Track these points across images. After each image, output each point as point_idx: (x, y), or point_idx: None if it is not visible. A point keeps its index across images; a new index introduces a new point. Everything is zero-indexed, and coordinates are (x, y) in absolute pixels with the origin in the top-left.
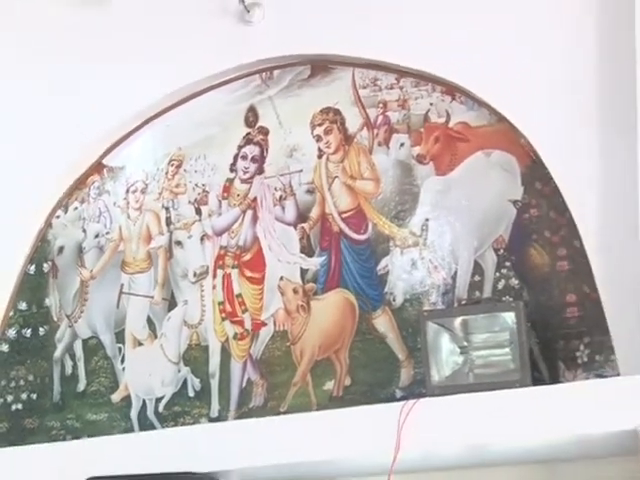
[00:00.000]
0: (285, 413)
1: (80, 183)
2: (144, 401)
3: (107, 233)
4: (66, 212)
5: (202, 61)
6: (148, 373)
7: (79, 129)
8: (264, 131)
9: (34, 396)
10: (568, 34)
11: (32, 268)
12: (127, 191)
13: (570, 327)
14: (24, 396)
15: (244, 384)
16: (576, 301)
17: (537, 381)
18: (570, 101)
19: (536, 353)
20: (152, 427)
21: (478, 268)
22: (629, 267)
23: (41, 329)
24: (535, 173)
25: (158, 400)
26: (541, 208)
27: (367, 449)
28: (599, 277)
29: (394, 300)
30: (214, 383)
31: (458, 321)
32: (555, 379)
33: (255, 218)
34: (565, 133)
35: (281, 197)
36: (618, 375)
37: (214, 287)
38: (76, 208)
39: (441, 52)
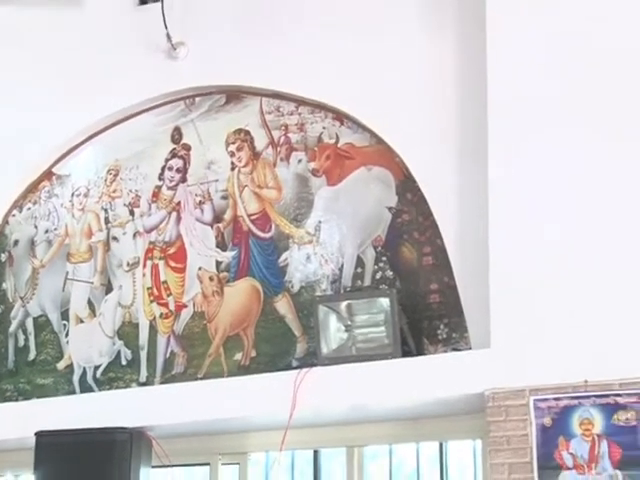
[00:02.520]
0: (202, 379)
1: (33, 188)
2: (84, 368)
3: (55, 229)
4: (21, 211)
5: (136, 88)
6: (88, 345)
7: (32, 142)
8: (187, 147)
9: None
10: (432, 74)
11: None
12: (72, 195)
13: (433, 310)
14: None
15: (168, 355)
16: (438, 289)
17: (406, 353)
18: (435, 128)
19: (406, 331)
20: (91, 390)
21: (360, 262)
22: (480, 262)
23: None
24: (407, 185)
25: (96, 368)
26: (411, 213)
27: (269, 408)
28: (456, 270)
29: (292, 287)
30: (143, 354)
31: (344, 305)
32: (420, 352)
33: (179, 219)
34: (431, 154)
35: (200, 202)
36: (470, 349)
37: (144, 275)
38: (29, 208)
39: (332, 85)
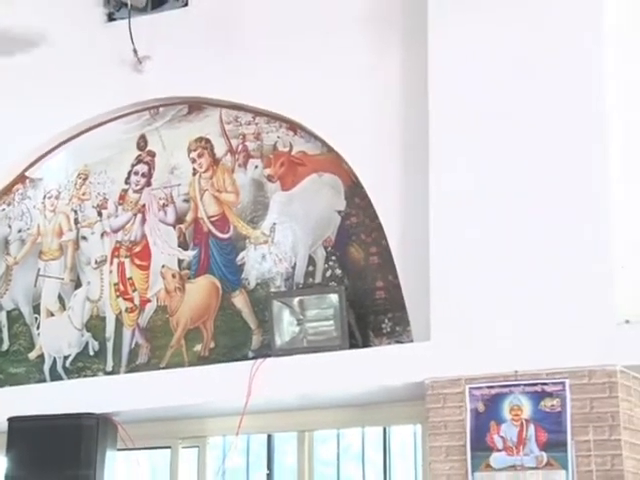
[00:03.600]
0: (164, 368)
1: (7, 190)
2: (54, 358)
3: (28, 229)
4: None
5: (105, 99)
6: (58, 337)
7: (7, 147)
8: (152, 154)
9: None
10: (378, 87)
11: None
12: (44, 197)
13: (378, 306)
14: None
15: (133, 346)
16: (383, 286)
17: (353, 345)
18: (381, 138)
19: (353, 325)
20: (60, 378)
21: (312, 261)
22: (421, 261)
23: None
24: (354, 190)
25: (65, 358)
26: (359, 216)
27: (226, 396)
28: (400, 268)
29: (249, 284)
30: (109, 345)
31: (296, 300)
32: (366, 344)
33: (144, 220)
34: (377, 161)
35: (164, 204)
36: (412, 341)
37: (111, 272)
38: (4, 209)
39: (287, 97)
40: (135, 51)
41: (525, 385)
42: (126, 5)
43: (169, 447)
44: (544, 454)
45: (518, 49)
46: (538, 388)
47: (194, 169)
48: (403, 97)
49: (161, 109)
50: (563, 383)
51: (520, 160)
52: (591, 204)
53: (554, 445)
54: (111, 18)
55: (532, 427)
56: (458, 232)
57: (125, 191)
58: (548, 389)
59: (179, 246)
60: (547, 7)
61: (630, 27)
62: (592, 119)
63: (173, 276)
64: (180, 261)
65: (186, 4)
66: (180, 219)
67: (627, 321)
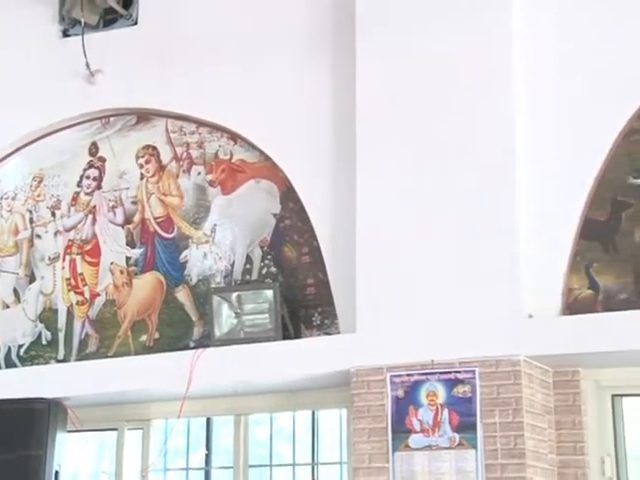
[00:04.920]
0: (111, 357)
1: None
2: (9, 347)
3: None
4: None
5: (59, 108)
6: (13, 327)
7: None
8: (102, 159)
9: None
10: (310, 101)
11: None
12: (1, 198)
13: (309, 301)
14: None
15: (83, 336)
16: (313, 283)
17: (286, 337)
18: (313, 147)
19: (286, 318)
20: (14, 366)
21: (249, 259)
22: (348, 261)
23: None
24: (289, 195)
25: (20, 347)
26: (292, 219)
27: (169, 382)
28: (329, 267)
29: (191, 280)
30: (61, 335)
31: (234, 295)
32: (298, 335)
33: (94, 220)
34: (309, 169)
35: (113, 206)
36: (339, 333)
37: (63, 268)
38: None
39: (228, 110)
40: (88, 65)
41: (440, 373)
42: (80, 22)
43: (116, 429)
44: (456, 435)
45: (440, 64)
46: (452, 376)
47: (141, 174)
48: (333, 109)
49: (111, 119)
50: (473, 371)
51: (439, 169)
52: (500, 209)
53: (465, 427)
54: (66, 34)
55: (446, 411)
56: (381, 234)
57: (77, 193)
58: (460, 377)
59: (127, 245)
60: (465, 25)
61: (538, 45)
62: (503, 131)
63: (121, 272)
64: (128, 258)
65: (136, 23)
66: (128, 220)
67: (530, 316)
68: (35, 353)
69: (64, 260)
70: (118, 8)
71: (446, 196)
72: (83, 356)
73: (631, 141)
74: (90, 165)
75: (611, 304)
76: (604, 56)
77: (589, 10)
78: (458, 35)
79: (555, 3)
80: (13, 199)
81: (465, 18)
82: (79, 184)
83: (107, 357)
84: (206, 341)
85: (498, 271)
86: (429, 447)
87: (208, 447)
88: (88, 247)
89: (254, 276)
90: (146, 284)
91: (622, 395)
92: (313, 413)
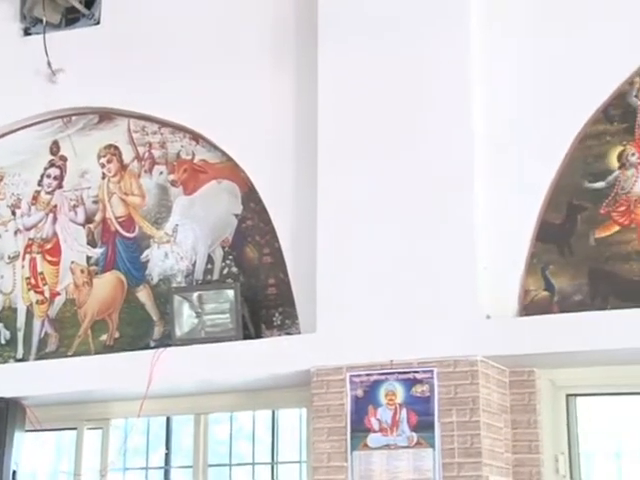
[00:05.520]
0: (71, 356)
1: None
2: None
3: None
4: None
5: (20, 107)
6: None
7: None
8: (64, 158)
9: None
10: (273, 103)
11: None
12: None
13: (270, 301)
14: None
15: (42, 335)
16: (275, 283)
17: (247, 336)
18: (275, 149)
19: (247, 318)
20: None
21: (210, 259)
22: (309, 262)
23: None
24: (250, 196)
25: None
26: (254, 220)
27: (129, 382)
28: (290, 268)
29: (152, 279)
30: (20, 334)
31: (195, 295)
32: (259, 335)
33: (55, 219)
34: (271, 170)
35: (74, 205)
36: (299, 333)
37: (23, 267)
38: None
39: (190, 110)
40: (49, 64)
41: (399, 373)
42: (41, 21)
43: (75, 429)
44: (414, 434)
45: (400, 70)
46: (410, 376)
47: (103, 173)
48: (295, 111)
49: (73, 118)
50: (432, 371)
51: (398, 171)
52: (459, 211)
53: (423, 426)
54: (27, 33)
55: (404, 410)
56: (342, 236)
57: (38, 192)
58: (419, 376)
59: (88, 244)
60: (424, 34)
61: (496, 52)
62: (460, 136)
63: (82, 271)
64: (88, 258)
65: (98, 22)
66: (89, 219)
67: (488, 316)
68: None
69: (24, 259)
70: (80, 7)
71: (405, 198)
72: (42, 355)
73: (586, 146)
74: (51, 164)
75: (566, 305)
76: (561, 63)
77: (546, 18)
78: (418, 43)
79: (512, 13)
80: None
81: (424, 26)
82: (40, 183)
83: (67, 356)
84: (167, 341)
85: (456, 273)
86: (387, 446)
87: (168, 446)
88: (48, 246)
89: (215, 276)
90: (107, 283)
91: (576, 395)
92: (273, 412)
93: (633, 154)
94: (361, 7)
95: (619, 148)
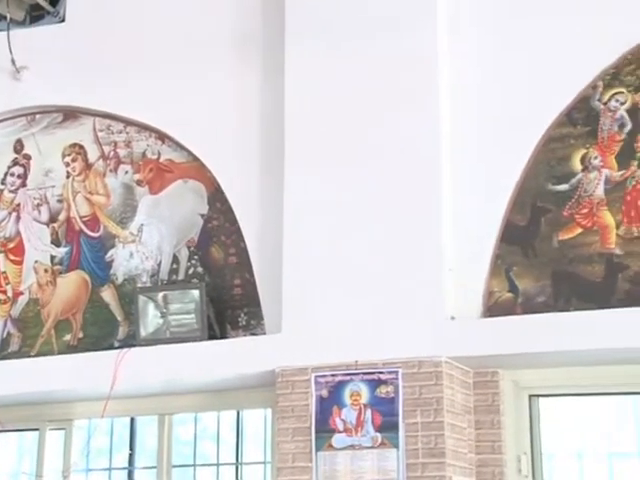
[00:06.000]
0: (34, 356)
1: None
2: None
3: None
4: None
5: None
6: None
7: None
8: (28, 157)
9: None
10: (240, 103)
11: None
12: None
13: (235, 301)
14: None
15: (5, 335)
16: (240, 284)
17: (212, 337)
18: (241, 149)
19: (212, 318)
20: None
21: (176, 259)
22: (275, 262)
23: None
24: (217, 196)
25: None
26: (220, 220)
27: (93, 382)
28: (256, 268)
29: (117, 279)
30: None
31: (161, 295)
32: (224, 336)
33: (18, 218)
34: (237, 170)
35: (38, 204)
36: (265, 334)
37: None
38: None
39: (156, 110)
40: (13, 61)
41: (364, 374)
42: (5, 18)
43: (37, 429)
44: (379, 435)
45: (367, 73)
46: (375, 376)
47: (68, 172)
48: (261, 111)
49: (37, 116)
50: (397, 372)
51: (365, 173)
52: (424, 213)
53: (387, 427)
54: None
55: (369, 411)
56: (308, 236)
57: (1, 191)
58: (383, 377)
59: (52, 243)
60: (392, 39)
61: (462, 55)
62: (427, 138)
63: (45, 271)
64: (52, 257)
65: (63, 20)
66: (53, 218)
67: (452, 318)
68: None
69: None
70: (45, 5)
71: (371, 199)
72: (5, 355)
73: (550, 149)
74: (15, 162)
75: (530, 307)
76: (525, 67)
77: (511, 22)
78: (385, 48)
79: (478, 16)
80: None
81: (392, 27)
82: (3, 181)
83: (29, 356)
84: (131, 341)
85: (421, 274)
86: (352, 447)
87: (132, 447)
88: (11, 245)
89: (181, 276)
90: (71, 283)
91: (539, 395)
92: (238, 413)
93: (596, 157)
94: (329, 6)
95: (582, 151)
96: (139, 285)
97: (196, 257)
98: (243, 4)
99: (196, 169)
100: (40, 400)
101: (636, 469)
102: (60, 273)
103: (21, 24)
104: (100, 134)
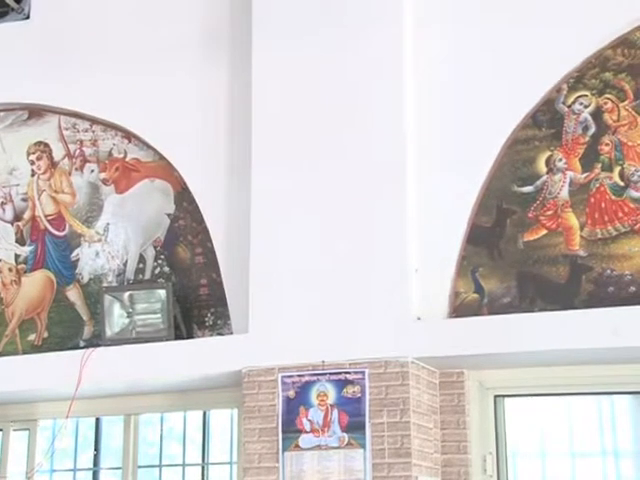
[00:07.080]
0: None
1: None
2: None
3: None
4: None
5: None
6: None
7: None
8: None
9: None
10: (207, 103)
11: None
12: None
13: (202, 301)
14: None
15: None
16: (207, 284)
17: (178, 337)
18: (209, 148)
19: (179, 318)
20: None
21: (142, 259)
22: (242, 262)
23: None
24: (183, 196)
25: None
26: (186, 220)
27: (58, 382)
28: (223, 268)
29: (82, 278)
30: None
31: (127, 294)
32: (190, 336)
33: None
34: (204, 170)
35: (2, 202)
36: (231, 334)
37: None
38: None
39: (123, 108)
40: None
41: (330, 374)
42: None
43: (0, 430)
44: (345, 435)
45: (334, 72)
46: (342, 377)
47: (33, 171)
48: (229, 113)
49: (2, 113)
50: (363, 372)
51: (332, 173)
52: (390, 214)
53: (354, 427)
54: None
55: (336, 411)
56: (275, 237)
57: None
58: (350, 377)
59: (16, 242)
60: (358, 38)
61: (428, 56)
62: (392, 138)
63: (10, 270)
64: (17, 256)
65: (28, 17)
66: (18, 217)
67: (418, 318)
68: None
69: None
70: (10, 1)
71: (338, 199)
72: None
73: (515, 150)
74: None
75: (495, 308)
76: (491, 68)
77: (477, 24)
78: (352, 47)
79: (444, 16)
80: None
81: (359, 23)
82: None
83: None
84: (97, 341)
85: (388, 275)
86: (319, 447)
87: (97, 447)
88: None
89: (147, 276)
90: (36, 282)
91: (504, 396)
92: (204, 413)
93: (560, 159)
94: (296, 5)
95: (547, 153)
96: (105, 284)
97: (162, 257)
98: (210, 2)
99: (163, 168)
100: (4, 400)
101: (599, 469)
102: (25, 272)
103: None
104: (66, 132)
